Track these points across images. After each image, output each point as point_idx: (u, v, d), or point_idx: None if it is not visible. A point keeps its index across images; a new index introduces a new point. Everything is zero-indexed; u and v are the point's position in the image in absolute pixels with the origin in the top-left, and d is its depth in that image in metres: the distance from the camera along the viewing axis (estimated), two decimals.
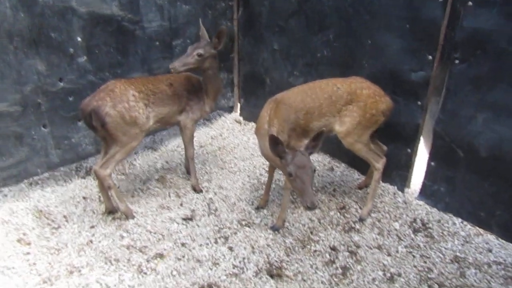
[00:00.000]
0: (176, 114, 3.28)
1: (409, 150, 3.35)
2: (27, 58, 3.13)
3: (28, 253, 2.74)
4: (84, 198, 3.35)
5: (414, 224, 3.09)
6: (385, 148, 3.33)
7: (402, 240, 2.94)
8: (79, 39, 3.36)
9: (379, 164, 3.11)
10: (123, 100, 2.86)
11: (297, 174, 2.32)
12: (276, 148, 2.38)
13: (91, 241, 2.87)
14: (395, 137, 3.40)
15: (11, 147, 3.25)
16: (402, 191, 3.48)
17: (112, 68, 3.66)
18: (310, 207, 2.27)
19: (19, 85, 3.14)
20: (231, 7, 4.48)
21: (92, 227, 3.02)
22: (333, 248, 2.85)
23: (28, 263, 2.66)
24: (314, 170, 2.38)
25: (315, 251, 2.83)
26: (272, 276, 2.60)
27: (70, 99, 3.47)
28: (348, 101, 2.91)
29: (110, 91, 2.87)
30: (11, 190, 3.37)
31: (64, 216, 3.13)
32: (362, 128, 2.94)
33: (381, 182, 3.55)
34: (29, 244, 2.83)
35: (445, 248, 2.85)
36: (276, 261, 2.72)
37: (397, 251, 2.82)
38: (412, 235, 2.98)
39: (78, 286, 2.48)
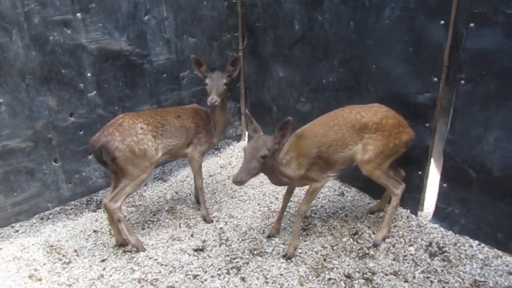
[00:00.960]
0: (184, 147, 3.29)
1: (420, 173, 3.31)
2: (38, 95, 3.21)
3: None
4: (94, 231, 3.35)
5: (430, 248, 3.02)
6: (403, 173, 3.29)
7: (418, 265, 2.86)
8: (89, 74, 3.45)
9: (398, 190, 3.06)
10: (131, 133, 2.89)
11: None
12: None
13: (102, 275, 2.85)
14: (405, 160, 3.37)
15: (22, 182, 3.29)
16: (416, 214, 3.42)
17: (121, 101, 3.73)
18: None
19: (31, 121, 3.21)
20: (236, 38, 4.58)
21: (103, 260, 3.00)
22: (348, 276, 2.78)
23: None
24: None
25: (329, 279, 2.77)
26: None
27: (81, 133, 3.53)
28: (373, 130, 2.88)
29: (119, 126, 2.90)
30: (22, 226, 3.39)
31: (75, 251, 3.11)
32: (384, 157, 2.91)
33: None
34: (40, 280, 2.81)
35: (464, 272, 2.76)
36: None
37: (414, 277, 2.75)
38: (429, 260, 2.90)
39: None
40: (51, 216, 3.53)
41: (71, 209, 3.66)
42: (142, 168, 2.94)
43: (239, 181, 2.46)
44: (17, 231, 3.33)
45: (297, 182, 2.96)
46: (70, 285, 2.76)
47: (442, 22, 2.84)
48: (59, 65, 3.26)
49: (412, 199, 3.43)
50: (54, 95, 3.30)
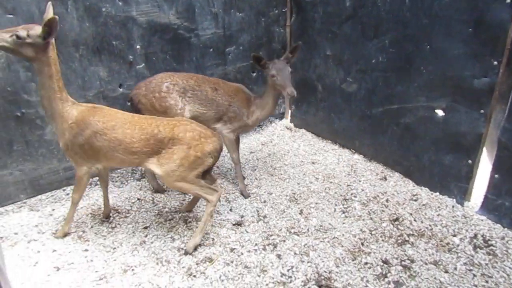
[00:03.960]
0: (213, 120, 3.33)
1: (470, 161, 3.15)
2: (91, 65, 3.33)
3: (86, 250, 2.88)
4: (138, 199, 3.48)
5: (474, 240, 2.90)
6: (215, 178, 3.16)
7: (461, 256, 2.76)
8: (138, 47, 3.52)
9: (213, 197, 2.83)
10: (155, 90, 3.14)
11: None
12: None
13: (144, 242, 2.97)
14: (454, 147, 3.23)
15: None
16: (462, 204, 3.28)
17: (142, 82, 3.78)
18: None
19: (83, 90, 3.35)
20: (284, 14, 4.49)
21: (145, 227, 3.13)
22: (385, 261, 2.74)
23: (86, 259, 2.79)
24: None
25: (366, 263, 2.74)
26: (320, 287, 2.55)
27: (128, 104, 3.63)
28: (170, 145, 2.68)
29: (149, 82, 3.20)
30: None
31: (120, 216, 3.26)
32: (185, 170, 2.70)
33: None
34: (88, 241, 2.98)
35: (510, 268, 2.64)
36: (325, 271, 2.66)
37: (456, 268, 2.66)
38: (472, 252, 2.79)
39: (132, 285, 2.57)
40: (99, 182, 3.70)
41: (118, 177, 3.82)
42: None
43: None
44: (68, 194, 3.52)
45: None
46: (115, 248, 2.91)
47: (508, 0, 2.63)
48: (110, 36, 3.35)
49: (459, 188, 3.29)
50: (105, 66, 3.41)
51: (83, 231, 3.08)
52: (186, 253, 2.84)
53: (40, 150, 3.31)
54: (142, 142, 2.66)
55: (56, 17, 2.34)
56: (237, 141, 3.54)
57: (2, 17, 2.85)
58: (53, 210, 3.32)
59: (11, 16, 2.88)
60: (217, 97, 3.26)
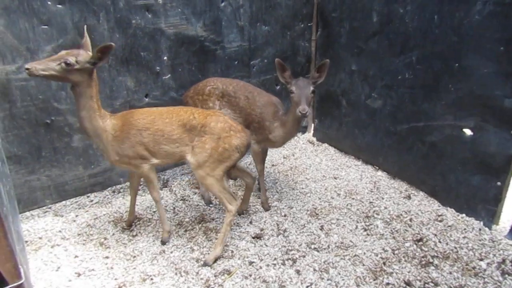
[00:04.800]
0: None
1: (499, 183, 3.05)
2: (119, 75, 3.41)
3: (107, 257, 2.91)
4: None
5: (502, 265, 2.79)
6: (253, 175, 3.30)
7: (487, 282, 2.66)
8: (165, 58, 3.59)
9: (231, 206, 2.86)
10: (199, 93, 3.37)
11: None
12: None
13: (163, 251, 2.99)
14: (483, 168, 3.13)
15: (99, 156, 3.53)
16: (489, 227, 3.17)
17: (193, 85, 3.84)
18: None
19: (111, 99, 3.42)
20: (309, 28, 4.50)
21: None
22: (408, 283, 2.66)
23: (107, 266, 2.83)
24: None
25: (387, 283, 2.67)
26: None
27: None
28: (201, 133, 2.78)
29: (197, 85, 3.44)
30: (96, 196, 3.64)
31: (141, 225, 3.29)
32: (213, 161, 2.77)
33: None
34: (108, 248, 3.02)
35: None
36: None
37: None
38: (500, 278, 2.68)
39: None
40: (121, 190, 3.76)
41: (140, 185, 3.85)
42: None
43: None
44: (91, 201, 3.59)
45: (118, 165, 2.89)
46: (135, 256, 2.93)
47: None
48: (138, 47, 3.43)
49: (487, 210, 3.18)
50: (132, 76, 3.48)
51: (105, 238, 3.12)
52: (205, 265, 2.85)
53: (67, 157, 3.39)
54: (180, 128, 2.78)
55: (113, 44, 2.45)
56: (264, 153, 3.53)
57: (38, 27, 2.95)
58: (77, 216, 3.38)
59: (45, 27, 2.98)
60: (247, 106, 3.28)
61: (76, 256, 2.91)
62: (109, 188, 3.74)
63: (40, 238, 3.10)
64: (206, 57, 3.86)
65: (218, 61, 3.95)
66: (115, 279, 2.71)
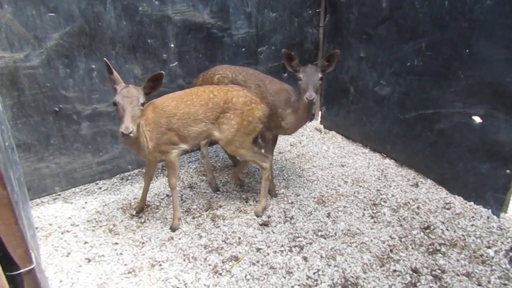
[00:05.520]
0: None
1: (508, 171, 3.03)
2: (126, 63, 3.40)
3: (116, 243, 2.95)
4: (167, 195, 3.54)
5: (510, 253, 2.78)
6: (262, 144, 3.47)
7: (495, 269, 2.66)
8: (172, 45, 3.57)
9: (266, 164, 3.17)
10: (208, 80, 3.36)
11: (120, 102, 2.49)
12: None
13: (172, 238, 3.02)
14: (492, 156, 3.11)
15: (107, 144, 3.56)
16: (498, 215, 3.15)
17: (200, 73, 3.82)
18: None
19: None
20: (317, 14, 4.45)
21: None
22: (415, 270, 2.67)
23: (116, 252, 2.87)
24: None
25: (394, 271, 2.68)
26: None
27: None
28: (225, 109, 2.93)
29: (206, 72, 3.43)
30: (105, 183, 3.68)
31: (149, 212, 3.33)
32: (242, 135, 2.98)
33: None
34: (118, 234, 3.06)
35: None
36: (352, 277, 2.62)
37: (489, 281, 2.56)
38: (508, 266, 2.68)
39: (159, 280, 2.62)
40: (129, 178, 3.79)
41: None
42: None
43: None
44: (100, 188, 3.62)
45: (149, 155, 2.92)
46: (143, 242, 2.97)
47: None
48: (145, 35, 3.42)
49: (495, 198, 3.16)
50: (139, 64, 3.48)
51: (114, 225, 3.15)
52: (257, 215, 3.24)
53: (76, 145, 3.41)
54: (203, 107, 2.90)
55: (163, 72, 2.57)
56: (274, 141, 3.53)
57: (45, 15, 2.95)
58: (86, 203, 3.42)
59: (52, 14, 2.98)
60: (259, 94, 3.26)
61: (85, 242, 2.96)
62: (118, 176, 3.78)
63: (50, 224, 3.14)
64: (213, 44, 3.84)
65: (225, 48, 3.93)
66: (125, 264, 2.75)
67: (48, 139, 3.28)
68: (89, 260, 2.79)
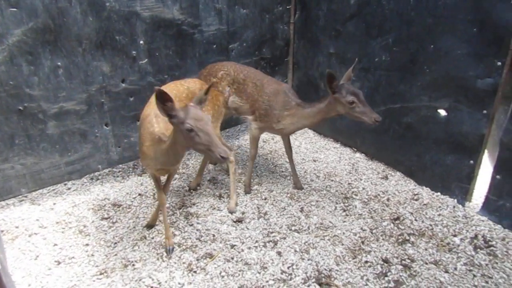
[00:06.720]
0: (248, 112, 3.38)
1: (471, 162, 3.15)
2: (93, 60, 3.32)
3: (87, 245, 2.89)
4: (139, 194, 3.49)
5: (475, 240, 2.90)
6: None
7: (461, 257, 2.76)
8: (141, 42, 3.51)
9: (232, 157, 3.24)
10: (212, 75, 3.44)
11: (198, 127, 2.11)
12: (164, 106, 2.11)
13: (145, 237, 2.98)
14: (456, 147, 3.22)
15: (76, 143, 3.46)
16: (463, 204, 3.28)
17: (171, 70, 3.79)
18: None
19: (86, 85, 3.34)
20: (288, 11, 4.48)
21: (146, 223, 3.13)
22: (386, 260, 2.74)
23: (87, 254, 2.80)
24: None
25: (366, 262, 2.74)
26: (320, 285, 2.55)
27: (131, 99, 3.64)
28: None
29: (213, 65, 3.51)
30: (74, 184, 3.58)
31: (121, 211, 3.27)
32: (215, 121, 3.06)
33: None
34: (88, 235, 2.99)
35: (510, 269, 2.64)
36: (326, 269, 2.67)
37: (456, 269, 2.66)
38: (473, 252, 2.79)
39: (132, 280, 2.58)
40: (100, 177, 3.71)
41: (119, 172, 3.82)
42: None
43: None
44: (69, 188, 3.53)
45: None
46: (116, 243, 2.91)
47: None
48: (113, 31, 3.34)
49: (460, 188, 3.29)
50: (107, 61, 3.40)
51: (84, 226, 3.08)
52: (231, 212, 3.24)
53: (42, 144, 3.31)
54: (186, 101, 2.71)
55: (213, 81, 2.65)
56: (288, 144, 3.53)
57: (6, 10, 2.84)
58: (54, 204, 3.33)
59: (14, 9, 2.87)
60: (255, 92, 3.28)
61: (55, 244, 2.88)
62: (87, 176, 3.68)
63: (17, 227, 3.04)
64: (183, 41, 3.80)
65: (196, 45, 3.89)
66: (96, 266, 2.69)
67: (12, 139, 3.16)
68: (59, 263, 2.71)
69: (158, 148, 2.41)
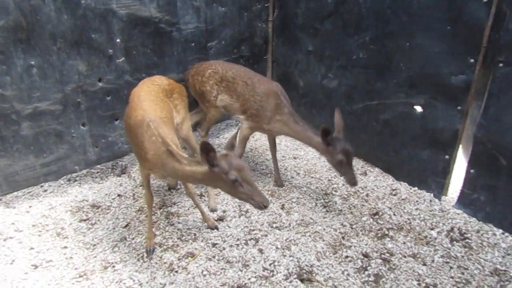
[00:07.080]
0: (238, 111, 3.37)
1: (447, 157, 3.23)
2: (69, 59, 3.25)
3: (65, 247, 2.83)
4: (119, 195, 3.44)
5: (451, 233, 2.98)
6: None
7: (438, 249, 2.83)
8: (118, 40, 3.46)
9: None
10: (199, 74, 3.48)
11: (242, 178, 2.20)
12: (208, 156, 2.14)
13: (125, 238, 2.94)
14: (432, 143, 3.30)
15: (51, 144, 3.39)
16: (439, 198, 3.36)
17: (149, 69, 3.74)
18: (267, 206, 2.28)
19: (61, 84, 3.27)
20: (266, 9, 4.49)
21: (127, 224, 3.09)
22: (366, 255, 2.78)
23: (65, 257, 2.74)
24: None
25: (346, 257, 2.78)
26: (302, 281, 2.57)
27: (108, 98, 3.58)
28: (172, 92, 3.03)
29: (200, 64, 3.55)
30: (51, 186, 3.50)
31: (100, 213, 3.21)
32: (186, 113, 3.14)
33: (416, 188, 3.48)
34: (66, 238, 2.93)
35: (485, 260, 2.72)
36: (307, 265, 2.69)
37: (433, 261, 2.73)
38: (449, 245, 2.87)
39: (112, 282, 2.54)
40: (77, 178, 3.64)
41: (97, 172, 3.75)
42: (205, 107, 3.40)
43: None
44: (45, 190, 3.45)
45: None
46: (95, 245, 2.87)
47: (485, 0, 2.70)
48: (89, 29, 3.28)
49: (437, 183, 3.37)
50: (83, 60, 3.33)
51: (62, 228, 3.02)
52: (212, 210, 3.23)
53: (16, 146, 3.22)
54: (165, 99, 2.88)
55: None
56: (272, 142, 3.57)
57: None
58: (30, 207, 3.24)
59: None
60: (246, 91, 3.27)
61: (31, 248, 2.81)
62: (64, 177, 3.60)
63: None
64: (161, 39, 3.76)
65: (174, 43, 3.86)
66: (75, 268, 2.64)
67: None
68: (36, 267, 2.65)
69: (170, 164, 2.37)
